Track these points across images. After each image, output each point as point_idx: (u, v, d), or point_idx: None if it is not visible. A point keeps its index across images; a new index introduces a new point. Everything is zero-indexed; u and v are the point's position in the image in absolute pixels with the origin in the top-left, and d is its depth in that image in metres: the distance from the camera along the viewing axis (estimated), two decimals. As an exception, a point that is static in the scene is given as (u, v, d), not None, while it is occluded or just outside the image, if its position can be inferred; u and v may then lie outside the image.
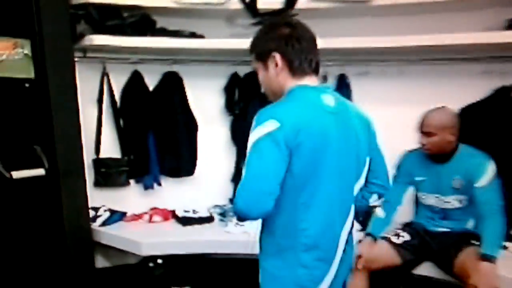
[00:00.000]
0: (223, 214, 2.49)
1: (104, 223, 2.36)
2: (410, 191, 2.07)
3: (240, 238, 2.20)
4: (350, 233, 1.22)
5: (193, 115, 2.48)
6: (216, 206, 2.59)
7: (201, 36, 2.23)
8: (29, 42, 1.97)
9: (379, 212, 1.97)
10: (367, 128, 1.22)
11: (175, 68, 2.43)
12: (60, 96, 2.07)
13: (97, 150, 2.40)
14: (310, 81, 1.14)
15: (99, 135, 2.40)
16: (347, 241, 1.20)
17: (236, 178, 2.56)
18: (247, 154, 1.03)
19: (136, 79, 2.40)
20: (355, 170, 1.19)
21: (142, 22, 2.14)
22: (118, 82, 2.41)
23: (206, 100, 2.52)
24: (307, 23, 1.17)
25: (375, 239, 1.93)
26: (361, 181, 1.22)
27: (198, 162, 2.51)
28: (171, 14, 2.24)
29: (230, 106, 2.49)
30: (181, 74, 2.44)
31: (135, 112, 2.40)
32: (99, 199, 2.40)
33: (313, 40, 1.15)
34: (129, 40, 2.10)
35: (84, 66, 2.26)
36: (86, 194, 2.23)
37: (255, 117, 1.06)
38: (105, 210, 2.42)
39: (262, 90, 1.20)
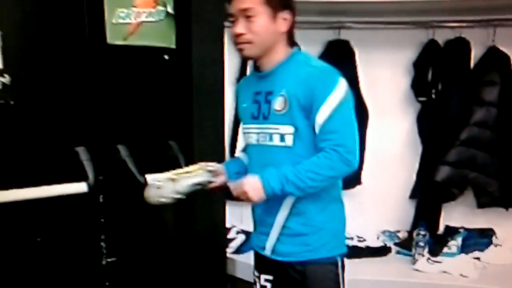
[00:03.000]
0: (403, 245, 1.95)
1: (238, 250, 1.97)
2: None
3: (438, 279, 1.74)
4: None
5: (364, 101, 1.97)
6: (386, 231, 2.08)
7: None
8: (172, -3, 1.66)
9: None
10: None
11: (343, 35, 1.95)
12: (205, 75, 1.69)
13: (232, 149, 2.02)
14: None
15: (236, 127, 2.00)
16: None
17: (417, 191, 2.01)
18: (340, 109, 1.11)
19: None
20: None
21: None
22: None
23: (383, 80, 2.01)
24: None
25: None
26: None
27: (364, 168, 1.92)
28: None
29: (421, 88, 1.93)
30: (352, 45, 1.96)
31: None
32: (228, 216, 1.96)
33: None
34: None
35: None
36: (225, 208, 1.82)
37: (327, 69, 1.16)
38: (237, 232, 2.05)
39: (249, 37, 1.15)
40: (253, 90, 1.24)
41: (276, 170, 1.13)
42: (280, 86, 1.16)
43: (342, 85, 1.13)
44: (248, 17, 1.13)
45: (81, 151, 1.47)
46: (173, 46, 1.65)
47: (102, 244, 1.56)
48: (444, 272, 1.77)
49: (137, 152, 1.57)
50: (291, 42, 1.22)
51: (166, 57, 1.67)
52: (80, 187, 1.44)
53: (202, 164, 1.25)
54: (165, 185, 1.17)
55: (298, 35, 1.88)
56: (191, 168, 1.23)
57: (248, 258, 1.79)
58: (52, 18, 1.40)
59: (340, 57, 1.93)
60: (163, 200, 1.19)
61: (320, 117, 1.11)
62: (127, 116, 1.58)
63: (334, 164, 1.11)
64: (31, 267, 1.40)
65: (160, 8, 1.64)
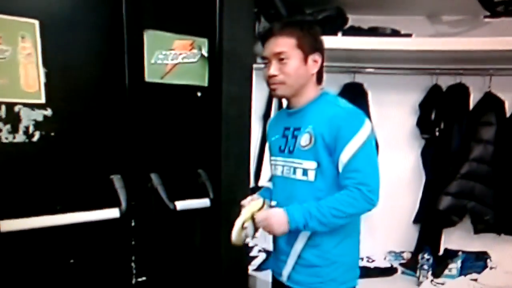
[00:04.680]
0: (407, 265, 1.91)
1: (259, 267, 1.91)
2: None
3: None
4: None
5: (375, 136, 1.93)
6: (392, 252, 2.04)
7: (408, 35, 1.68)
8: (207, 41, 1.61)
9: None
10: None
11: (358, 78, 1.93)
12: (233, 110, 1.64)
13: (257, 176, 1.98)
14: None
15: (261, 158, 1.97)
16: None
17: (420, 217, 1.98)
18: (364, 148, 1.08)
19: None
20: None
21: (335, 19, 1.66)
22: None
23: (393, 119, 1.98)
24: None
25: None
26: None
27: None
28: (362, 7, 1.76)
29: (426, 126, 1.90)
30: (364, 87, 1.94)
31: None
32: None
33: None
34: (328, 40, 1.60)
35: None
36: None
37: (353, 111, 1.13)
38: (259, 251, 1.98)
39: (281, 78, 1.13)
40: (283, 125, 1.21)
41: (300, 205, 1.08)
42: (308, 123, 1.12)
43: (367, 126, 1.10)
44: (281, 60, 1.11)
45: (116, 179, 1.42)
46: (205, 84, 1.63)
47: (132, 264, 1.50)
48: None
49: (169, 180, 1.52)
50: (320, 82, 1.19)
51: (199, 94, 1.63)
52: (113, 213, 1.39)
53: (254, 202, 1.19)
54: (249, 226, 1.15)
55: None
56: (253, 206, 1.18)
57: (268, 275, 1.72)
58: (93, 55, 1.36)
59: (354, 97, 1.86)
60: (249, 239, 1.19)
61: (345, 156, 1.07)
62: (162, 147, 1.54)
63: (356, 202, 1.07)
64: (67, 286, 1.34)
65: (195, 51, 1.60)
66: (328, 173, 1.11)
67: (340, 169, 1.08)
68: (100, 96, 1.39)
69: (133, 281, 1.49)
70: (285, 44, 1.11)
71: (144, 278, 1.51)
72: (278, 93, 1.16)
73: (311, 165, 1.11)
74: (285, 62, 1.10)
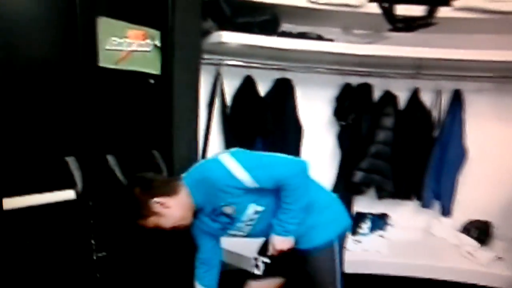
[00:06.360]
0: None
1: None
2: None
3: (362, 257, 1.85)
4: None
5: (300, 123, 2.08)
6: None
7: (330, 40, 1.85)
8: (159, 33, 1.59)
9: None
10: None
11: (287, 75, 2.04)
12: (183, 97, 1.63)
13: (203, 157, 1.97)
14: None
15: (206, 140, 1.96)
16: None
17: (337, 188, 2.16)
18: (247, 164, 1.14)
19: (248, 85, 1.99)
20: None
21: (271, 23, 1.77)
22: (229, 87, 2.00)
23: (315, 108, 2.13)
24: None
25: None
26: None
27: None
28: (291, 17, 1.89)
29: (341, 115, 2.09)
30: (292, 82, 2.06)
31: (245, 118, 1.97)
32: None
33: None
34: (262, 39, 1.67)
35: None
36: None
37: (206, 164, 1.23)
38: None
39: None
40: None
41: (275, 220, 1.17)
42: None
43: (222, 157, 1.16)
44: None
45: (71, 161, 1.31)
46: (158, 72, 1.59)
47: (92, 241, 1.40)
48: (365, 250, 1.88)
49: (125, 161, 1.45)
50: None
51: (152, 81, 1.60)
52: (68, 194, 1.28)
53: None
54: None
55: (256, 74, 2.02)
56: None
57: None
58: (46, 39, 1.24)
59: (284, 90, 2.04)
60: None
61: (249, 181, 1.11)
62: (118, 129, 1.46)
63: (295, 187, 1.15)
64: (30, 265, 1.21)
65: (149, 41, 1.57)
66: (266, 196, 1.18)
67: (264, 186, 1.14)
68: (53, 80, 1.26)
69: (94, 257, 1.39)
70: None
71: (104, 253, 1.41)
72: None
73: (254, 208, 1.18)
74: None
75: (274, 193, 1.17)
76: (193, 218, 1.21)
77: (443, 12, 1.74)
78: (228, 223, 1.19)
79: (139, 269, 1.54)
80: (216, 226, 1.22)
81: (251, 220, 1.20)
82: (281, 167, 1.15)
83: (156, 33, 1.55)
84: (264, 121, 1.96)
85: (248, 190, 1.12)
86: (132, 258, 1.52)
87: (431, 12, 1.72)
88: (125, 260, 1.49)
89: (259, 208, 1.18)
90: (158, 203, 1.13)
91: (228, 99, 2.03)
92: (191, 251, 1.47)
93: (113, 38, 1.42)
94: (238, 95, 2.01)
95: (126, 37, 1.46)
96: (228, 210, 1.16)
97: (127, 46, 1.48)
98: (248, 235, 1.27)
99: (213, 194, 1.12)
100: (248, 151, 1.22)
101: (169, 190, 1.14)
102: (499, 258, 1.87)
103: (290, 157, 1.19)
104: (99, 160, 1.41)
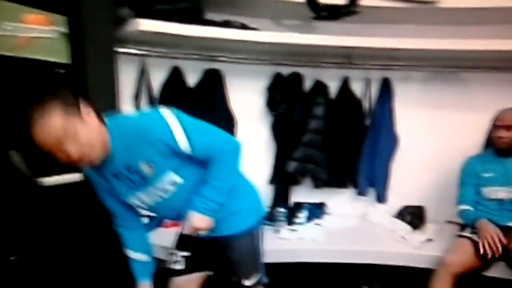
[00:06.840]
0: (267, 218, 2.02)
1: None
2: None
3: (297, 245, 1.83)
4: None
5: (232, 114, 2.04)
6: None
7: (254, 29, 1.83)
8: (66, 19, 1.49)
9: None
10: None
11: (216, 66, 2.00)
12: (99, 88, 1.55)
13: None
14: None
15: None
16: None
17: (273, 178, 2.14)
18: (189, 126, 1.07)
19: (175, 76, 1.93)
20: None
21: (192, 10, 1.72)
22: (155, 78, 1.92)
23: (247, 99, 2.09)
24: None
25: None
26: None
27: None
28: (216, 5, 1.85)
29: (273, 105, 2.07)
30: (222, 73, 2.02)
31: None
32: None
33: None
34: (182, 27, 1.61)
35: (121, 59, 1.74)
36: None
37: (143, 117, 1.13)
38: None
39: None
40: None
41: (198, 196, 1.09)
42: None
43: (164, 113, 1.05)
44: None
45: None
46: (66, 61, 1.48)
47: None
48: (300, 238, 1.86)
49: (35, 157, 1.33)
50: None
51: (61, 71, 1.49)
52: None
53: None
54: None
55: (184, 65, 1.96)
56: None
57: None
58: None
59: (213, 81, 1.99)
60: None
61: (185, 146, 1.04)
62: (18, 124, 1.35)
63: (226, 163, 1.11)
64: None
65: (54, 27, 1.47)
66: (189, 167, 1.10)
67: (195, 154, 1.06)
68: None
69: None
70: None
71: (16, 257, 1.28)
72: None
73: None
74: None
75: (196, 169, 1.10)
76: (101, 166, 1.06)
77: (365, 0, 1.77)
78: (139, 182, 1.07)
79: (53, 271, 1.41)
80: (123, 186, 1.10)
81: (165, 191, 1.10)
82: (219, 138, 1.10)
83: (62, 18, 1.46)
84: (193, 112, 1.88)
85: (175, 154, 1.04)
86: (49, 260, 1.39)
87: (353, 1, 1.76)
88: (37, 263, 1.36)
89: (177, 179, 1.09)
90: (65, 110, 0.95)
91: (156, 91, 1.95)
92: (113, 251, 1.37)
93: (6, 23, 1.31)
94: (166, 87, 1.94)
95: (22, 21, 1.35)
96: (145, 168, 1.04)
97: (26, 31, 1.38)
98: (154, 209, 1.18)
99: (138, 146, 1.00)
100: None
101: (81, 110, 0.97)
102: (429, 240, 1.91)
103: (227, 133, 1.13)
104: (2, 156, 1.28)
